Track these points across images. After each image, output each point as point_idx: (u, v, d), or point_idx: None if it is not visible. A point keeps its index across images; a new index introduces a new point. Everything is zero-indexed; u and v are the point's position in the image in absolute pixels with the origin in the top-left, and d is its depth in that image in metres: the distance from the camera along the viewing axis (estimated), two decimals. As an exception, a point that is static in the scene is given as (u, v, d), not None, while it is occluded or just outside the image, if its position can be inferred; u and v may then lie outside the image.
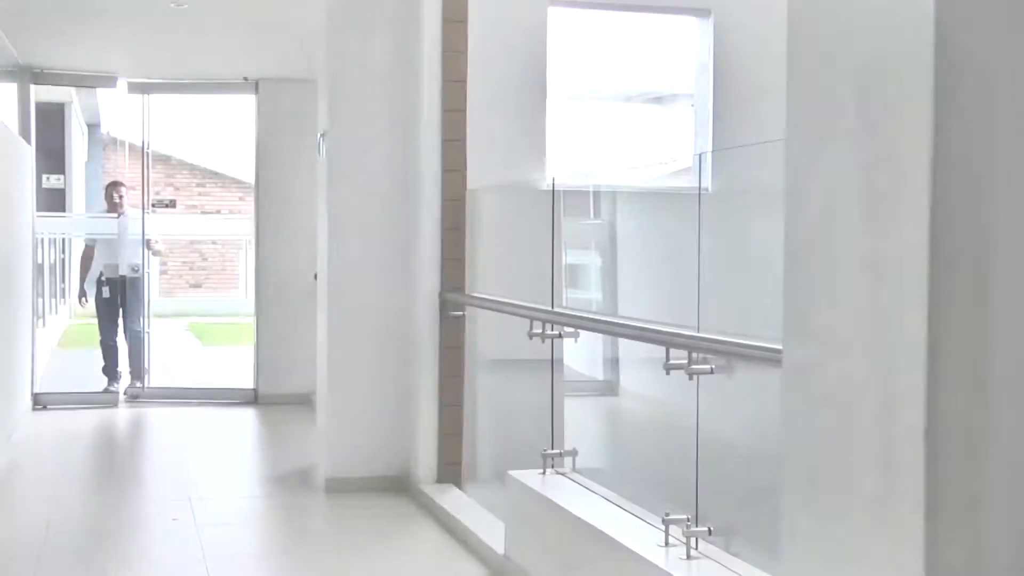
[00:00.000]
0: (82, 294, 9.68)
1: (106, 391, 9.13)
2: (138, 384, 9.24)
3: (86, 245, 9.65)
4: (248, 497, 6.17)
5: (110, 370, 9.31)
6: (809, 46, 2.24)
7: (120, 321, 9.35)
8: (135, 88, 9.57)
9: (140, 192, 9.92)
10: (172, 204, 10.00)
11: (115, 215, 9.45)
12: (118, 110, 21.26)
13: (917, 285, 1.92)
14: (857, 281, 2.07)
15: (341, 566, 4.84)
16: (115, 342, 9.31)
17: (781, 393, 2.34)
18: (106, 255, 9.34)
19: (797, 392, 2.29)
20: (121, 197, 9.57)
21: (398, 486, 6.12)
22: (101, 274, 9.30)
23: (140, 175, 9.85)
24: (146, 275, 9.55)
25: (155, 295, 11.28)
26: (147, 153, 9.90)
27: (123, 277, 9.24)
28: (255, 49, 8.32)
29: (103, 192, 9.84)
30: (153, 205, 9.96)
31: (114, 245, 9.32)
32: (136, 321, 9.35)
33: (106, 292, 9.23)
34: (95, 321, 9.56)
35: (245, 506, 5.96)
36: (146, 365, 9.31)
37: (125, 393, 9.19)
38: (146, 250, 9.47)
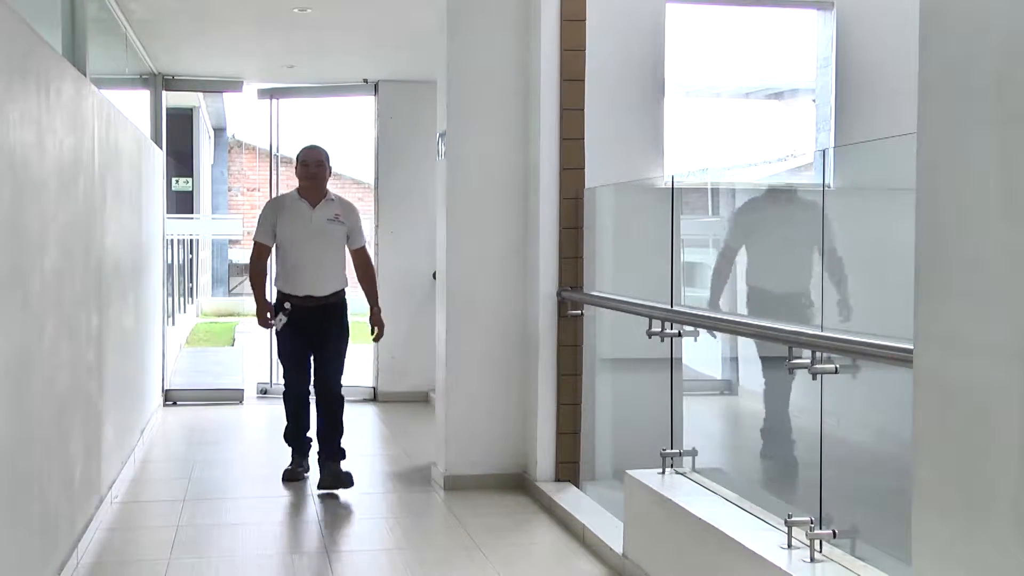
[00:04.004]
0: (267, 311, 6.31)
1: (292, 472, 6.41)
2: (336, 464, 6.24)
3: (257, 243, 6.35)
4: (368, 493, 6.27)
5: (297, 436, 6.49)
6: (943, 34, 2.18)
7: (311, 365, 6.30)
8: (264, 94, 9.84)
9: (267, 194, 10.15)
10: None
11: (308, 201, 6.24)
12: (243, 114, 21.83)
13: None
14: (995, 278, 2.01)
15: (459, 563, 4.88)
16: (307, 393, 6.37)
17: (913, 394, 2.28)
18: (293, 266, 6.18)
19: (929, 393, 2.23)
20: (321, 167, 6.28)
21: (516, 484, 6.15)
22: (281, 300, 6.22)
23: (268, 178, 10.12)
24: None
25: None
26: (277, 156, 10.17)
27: (317, 301, 6.17)
28: (375, 51, 8.45)
29: (295, 166, 6.35)
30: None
31: (303, 248, 6.18)
32: (336, 370, 6.30)
33: (284, 319, 6.17)
34: (222, 320, 9.47)
35: (365, 502, 6.06)
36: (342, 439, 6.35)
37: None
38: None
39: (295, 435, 6.49)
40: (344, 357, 6.35)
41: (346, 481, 6.09)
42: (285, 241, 6.22)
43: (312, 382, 6.32)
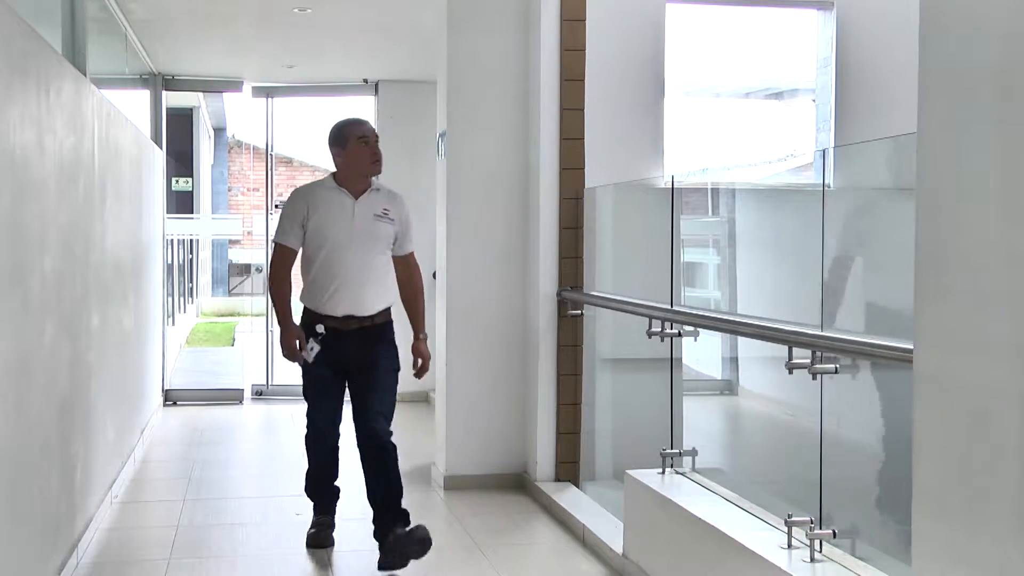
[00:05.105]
0: (297, 336, 4.82)
1: (318, 536, 5.05)
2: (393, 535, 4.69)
3: (278, 247, 4.88)
4: (369, 492, 6.26)
5: (321, 488, 5.16)
6: (943, 34, 2.18)
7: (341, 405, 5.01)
8: (259, 92, 9.82)
9: (264, 194, 10.14)
10: None
11: (348, 192, 4.83)
12: (244, 113, 21.87)
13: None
14: (995, 278, 2.01)
15: (459, 563, 4.88)
16: (337, 444, 5.08)
17: (913, 394, 2.28)
18: (329, 278, 4.76)
19: (929, 393, 2.23)
20: (374, 139, 4.90)
21: (516, 484, 6.15)
22: (311, 322, 4.80)
23: (264, 177, 10.10)
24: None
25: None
26: (271, 155, 10.15)
27: (360, 322, 4.79)
28: (375, 51, 8.45)
29: (346, 142, 4.82)
30: (276, 206, 10.14)
31: (344, 253, 4.76)
32: (385, 410, 4.84)
33: (316, 348, 4.79)
34: (222, 320, 9.35)
35: (366, 502, 6.05)
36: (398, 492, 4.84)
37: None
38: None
39: (320, 486, 5.13)
40: (395, 393, 4.91)
41: (426, 543, 4.61)
42: (318, 244, 4.75)
43: (356, 428, 4.83)
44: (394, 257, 4.94)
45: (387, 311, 4.90)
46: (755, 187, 6.72)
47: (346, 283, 4.74)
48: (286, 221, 4.85)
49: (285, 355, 4.90)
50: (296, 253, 4.86)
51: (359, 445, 4.83)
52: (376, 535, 4.74)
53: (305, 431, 5.09)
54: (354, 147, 4.81)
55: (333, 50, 8.42)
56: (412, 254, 5.03)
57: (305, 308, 4.86)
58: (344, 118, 4.95)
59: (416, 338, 5.01)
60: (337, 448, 5.09)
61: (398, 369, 4.90)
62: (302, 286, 4.92)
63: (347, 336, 4.77)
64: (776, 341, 3.71)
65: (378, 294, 4.83)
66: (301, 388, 5.02)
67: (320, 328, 4.77)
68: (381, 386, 4.82)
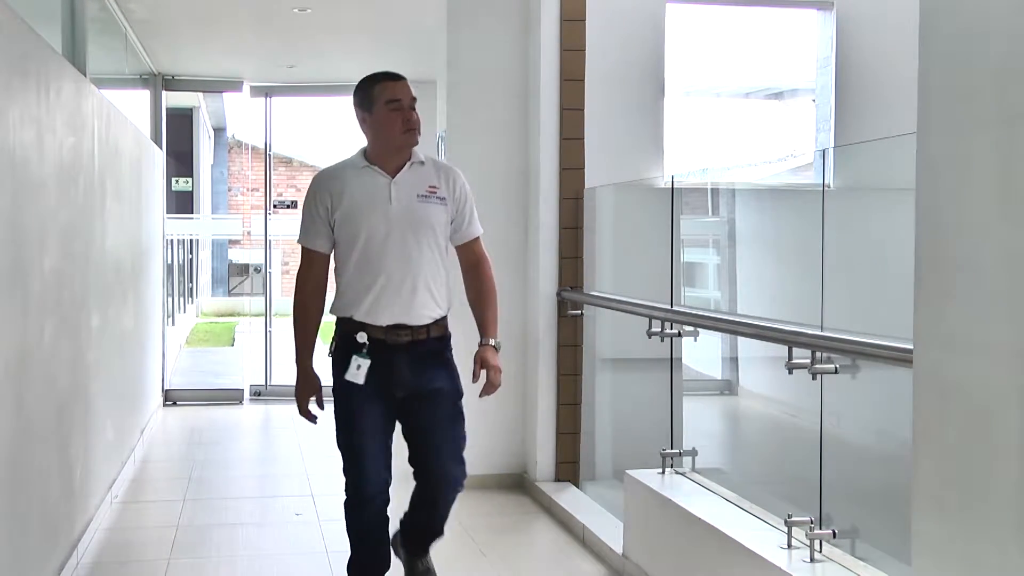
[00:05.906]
0: (313, 391, 3.81)
1: None
2: None
3: (305, 252, 3.81)
4: (369, 492, 6.26)
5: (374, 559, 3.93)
6: (943, 34, 2.18)
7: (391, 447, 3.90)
8: (257, 92, 9.82)
9: (263, 194, 10.13)
10: (293, 205, 9.74)
11: (382, 170, 3.75)
12: (243, 114, 21.87)
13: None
14: (995, 279, 2.01)
15: (459, 563, 4.87)
16: (387, 501, 3.90)
17: (913, 394, 2.28)
18: (368, 279, 3.70)
19: (929, 393, 2.23)
20: (409, 101, 3.76)
21: (516, 484, 6.15)
22: (349, 333, 3.72)
23: (263, 177, 10.10)
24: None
25: (277, 294, 11.38)
26: (269, 155, 10.15)
27: (412, 333, 3.73)
28: (375, 51, 8.45)
29: (372, 105, 3.75)
30: (275, 206, 10.13)
31: (383, 246, 3.71)
32: (456, 447, 3.85)
33: (365, 363, 3.69)
34: (222, 320, 9.35)
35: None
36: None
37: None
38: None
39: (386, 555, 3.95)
40: (464, 425, 3.88)
41: None
42: (350, 239, 3.72)
43: (419, 473, 3.88)
44: (457, 246, 3.95)
45: (444, 321, 3.83)
46: (755, 187, 6.72)
47: (389, 286, 3.69)
48: (307, 217, 3.78)
49: (299, 408, 3.84)
50: (327, 257, 3.79)
51: (425, 484, 3.90)
52: (404, 556, 4.10)
53: (346, 495, 3.83)
54: (382, 112, 3.74)
55: (333, 50, 8.42)
56: (478, 240, 4.00)
57: (339, 319, 3.78)
58: (373, 72, 3.85)
59: (481, 343, 3.89)
60: (387, 512, 3.90)
61: (462, 395, 3.86)
62: (335, 293, 3.83)
63: (397, 352, 3.70)
64: (776, 341, 3.71)
65: (433, 297, 3.77)
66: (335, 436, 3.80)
67: (362, 337, 3.68)
68: (448, 421, 3.82)
